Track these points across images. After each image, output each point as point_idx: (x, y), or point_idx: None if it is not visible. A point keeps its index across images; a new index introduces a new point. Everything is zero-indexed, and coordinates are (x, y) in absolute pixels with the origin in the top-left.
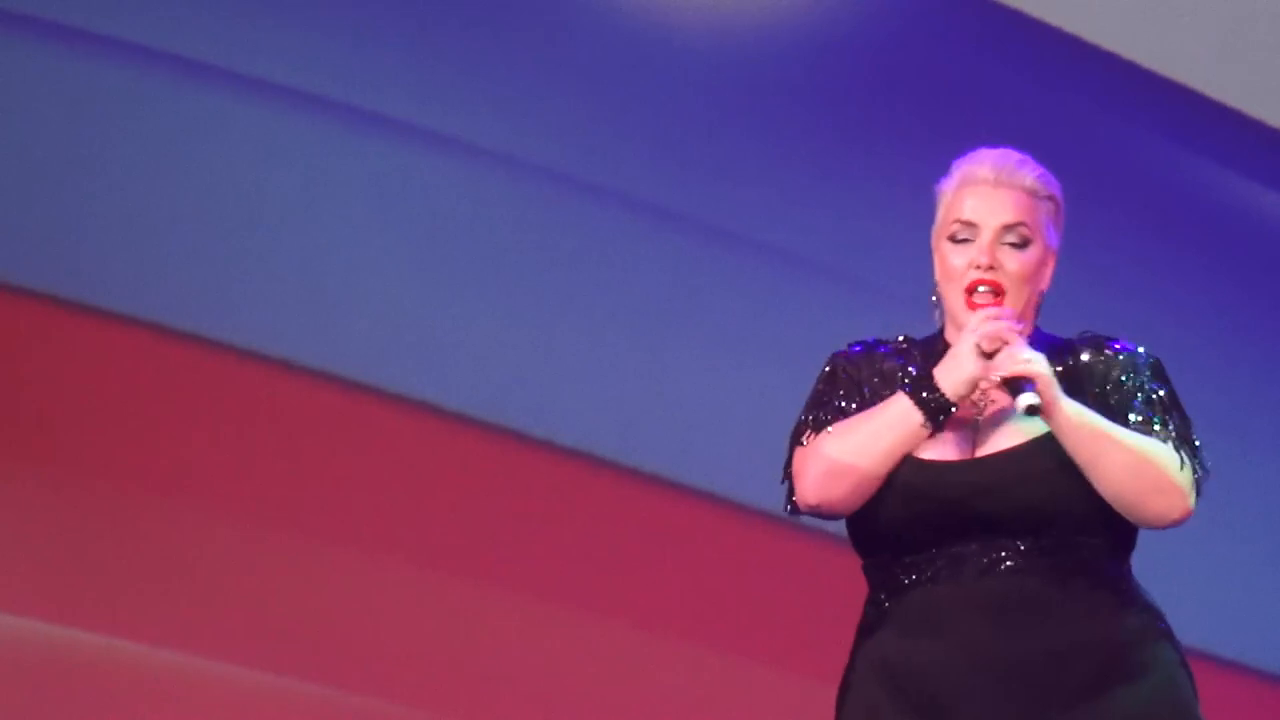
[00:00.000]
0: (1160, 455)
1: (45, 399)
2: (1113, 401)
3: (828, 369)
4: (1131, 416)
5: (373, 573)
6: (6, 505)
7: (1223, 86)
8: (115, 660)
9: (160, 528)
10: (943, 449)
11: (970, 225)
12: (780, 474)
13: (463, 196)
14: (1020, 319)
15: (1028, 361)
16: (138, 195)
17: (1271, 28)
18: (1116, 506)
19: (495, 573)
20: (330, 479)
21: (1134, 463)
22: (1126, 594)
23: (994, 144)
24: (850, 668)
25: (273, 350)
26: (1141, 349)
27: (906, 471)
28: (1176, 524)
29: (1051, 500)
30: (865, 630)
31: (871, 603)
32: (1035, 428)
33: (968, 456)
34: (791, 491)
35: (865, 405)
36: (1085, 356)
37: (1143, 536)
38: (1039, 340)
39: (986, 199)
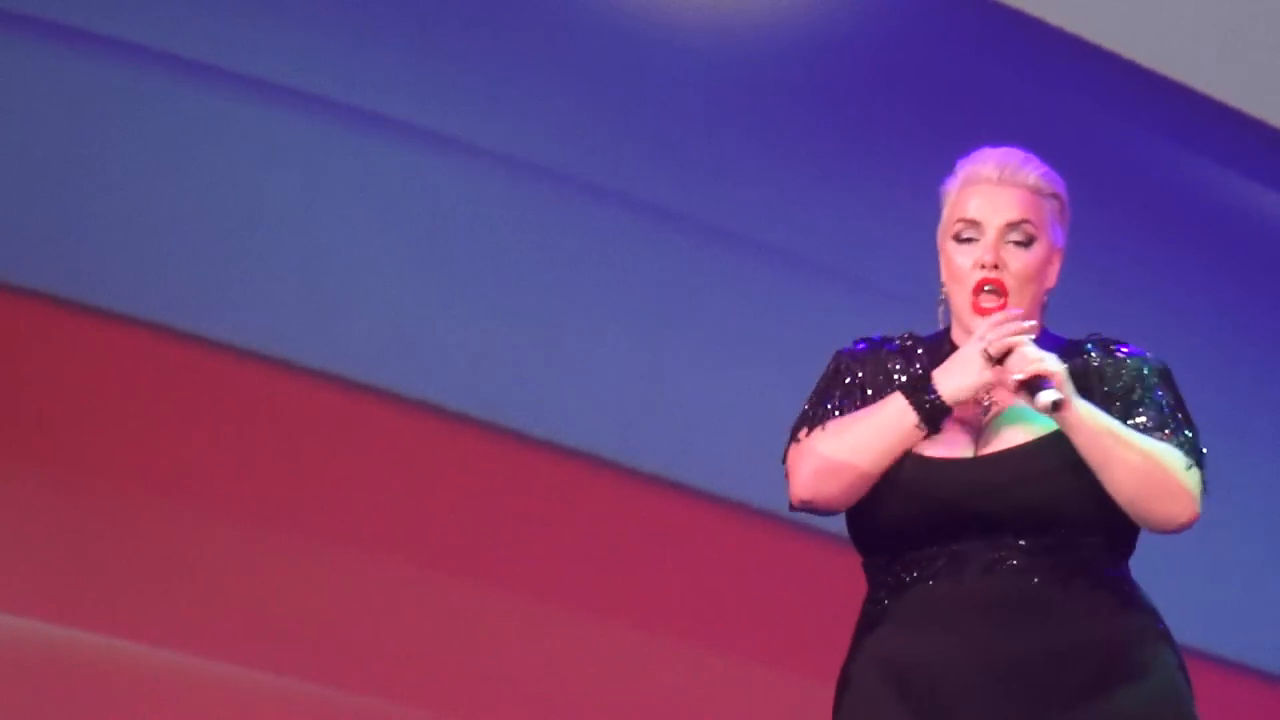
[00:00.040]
0: (1170, 459)
1: (45, 399)
2: (1120, 405)
3: (832, 366)
4: (1140, 421)
5: (373, 573)
6: (6, 505)
7: (1223, 86)
8: (115, 660)
9: (160, 528)
10: (947, 446)
11: (974, 224)
12: (782, 471)
13: (463, 196)
14: (1026, 318)
15: (1040, 360)
16: (138, 195)
17: (1272, 28)
18: (1125, 509)
19: (495, 573)
20: (330, 479)
21: (1145, 465)
22: (1127, 595)
23: (995, 144)
24: (849, 664)
25: (273, 350)
26: (1150, 355)
27: (909, 468)
28: (1182, 529)
29: (1054, 500)
30: (865, 627)
31: (871, 600)
32: (1040, 427)
33: (971, 454)
34: None
35: (867, 404)
36: (1094, 358)
37: (1143, 536)
38: (1045, 341)
39: (990, 197)
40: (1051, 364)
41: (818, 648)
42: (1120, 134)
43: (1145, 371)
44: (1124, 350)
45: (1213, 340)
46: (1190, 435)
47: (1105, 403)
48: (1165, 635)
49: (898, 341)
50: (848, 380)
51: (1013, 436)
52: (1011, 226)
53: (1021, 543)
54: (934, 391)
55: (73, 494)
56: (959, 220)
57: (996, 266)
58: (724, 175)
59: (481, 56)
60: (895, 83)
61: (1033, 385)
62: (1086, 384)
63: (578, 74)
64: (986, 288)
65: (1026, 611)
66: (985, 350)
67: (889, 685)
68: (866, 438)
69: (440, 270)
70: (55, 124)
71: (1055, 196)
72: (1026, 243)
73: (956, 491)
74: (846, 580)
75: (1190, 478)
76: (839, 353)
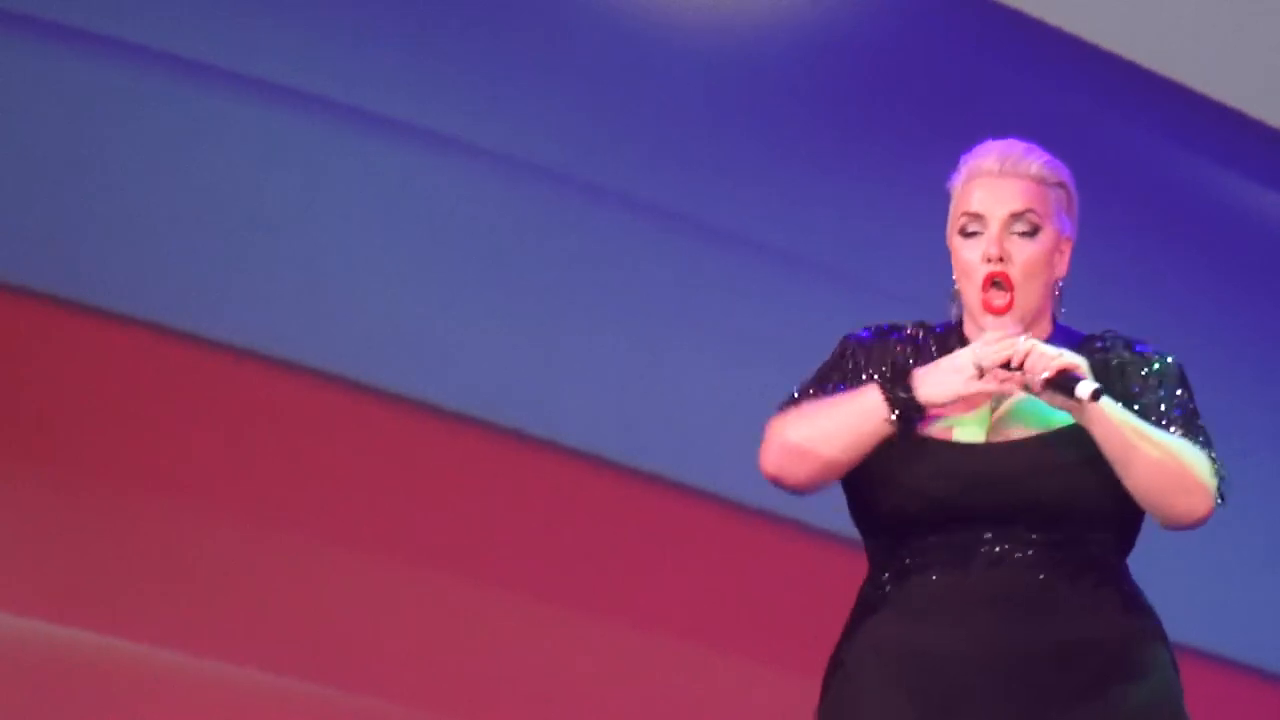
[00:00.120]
0: (1189, 454)
1: (45, 399)
2: (1139, 401)
3: (838, 350)
4: (1158, 417)
5: (373, 573)
6: (6, 505)
7: (1223, 86)
8: (115, 660)
9: (160, 528)
10: (960, 432)
11: (978, 217)
12: None
13: (463, 196)
14: (1038, 313)
15: (1060, 355)
16: (138, 195)
17: (1272, 28)
18: (1143, 503)
19: (495, 573)
20: (330, 479)
21: (1165, 460)
22: (1129, 593)
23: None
24: (845, 646)
25: (273, 350)
26: (1169, 355)
27: (918, 450)
28: (1199, 524)
29: (1067, 493)
30: (864, 610)
31: (871, 583)
32: (1055, 420)
33: (985, 441)
34: None
35: None
36: (1110, 354)
37: (1143, 535)
38: (1059, 335)
39: (992, 189)
40: (1073, 357)
41: (818, 648)
42: (1120, 134)
43: (1163, 369)
44: (1141, 348)
45: (1213, 340)
46: (1206, 434)
47: (1125, 399)
48: (1162, 634)
49: (907, 331)
50: (850, 365)
51: (1026, 427)
52: (1015, 217)
53: (1032, 536)
54: (910, 389)
55: (73, 494)
56: (963, 214)
57: (1002, 259)
58: (724, 175)
59: (481, 56)
60: (895, 83)
61: (1063, 382)
62: (1109, 380)
63: (578, 74)
64: (994, 282)
65: (1033, 607)
66: (978, 364)
67: (888, 675)
68: (836, 424)
69: (440, 270)
70: (55, 124)
71: (1060, 185)
72: (1031, 233)
73: (966, 477)
74: (848, 580)
75: (1207, 472)
76: (846, 337)
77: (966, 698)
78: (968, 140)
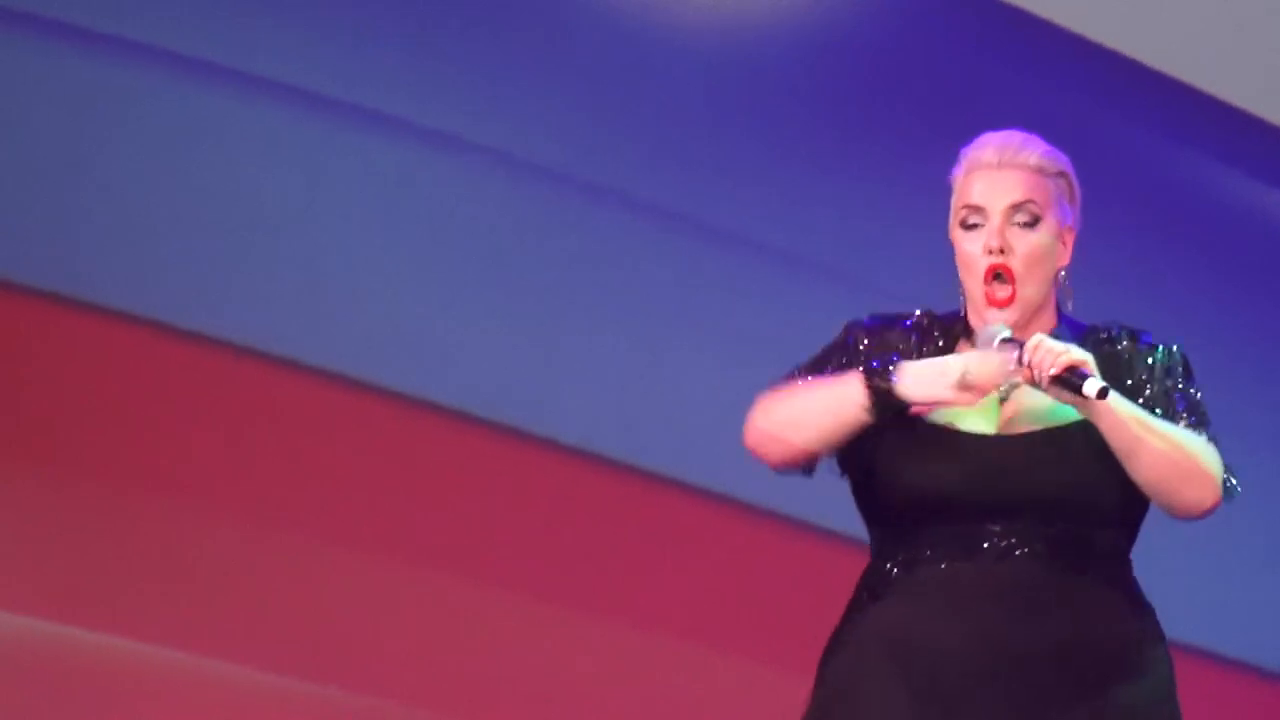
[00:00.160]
0: (1195, 445)
1: (45, 399)
2: (1147, 394)
3: (841, 334)
4: (1164, 409)
5: (373, 573)
6: (6, 505)
7: (1225, 85)
8: (115, 660)
9: (160, 528)
10: (968, 424)
11: (978, 209)
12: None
13: (463, 196)
14: (1042, 304)
15: (1066, 351)
16: (138, 195)
17: (1273, 26)
18: (1151, 495)
19: (495, 573)
20: (330, 479)
21: (1172, 451)
22: (1131, 593)
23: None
24: (846, 627)
25: (273, 349)
26: (1174, 344)
27: (928, 441)
28: (1206, 514)
29: (1075, 487)
30: (866, 596)
31: (874, 570)
32: (1063, 414)
33: (995, 432)
34: None
35: None
36: (1116, 345)
37: (1143, 534)
38: (1064, 325)
39: (992, 181)
40: (1078, 353)
41: (818, 648)
42: (1121, 133)
43: (1168, 359)
44: (1148, 340)
45: (1213, 340)
46: (1212, 426)
47: (1130, 390)
48: (1160, 634)
49: (911, 319)
50: (851, 349)
51: (1035, 420)
52: (1015, 208)
53: (1039, 530)
54: (890, 381)
55: (73, 494)
56: (964, 207)
57: (1003, 251)
58: (724, 175)
59: (481, 56)
60: (895, 83)
61: (1070, 380)
62: (1115, 372)
63: (578, 74)
64: (996, 275)
65: (1037, 604)
66: (964, 375)
67: (886, 659)
68: (815, 407)
69: (440, 270)
70: (55, 124)
71: (1061, 175)
72: (1032, 223)
73: (973, 469)
74: (849, 580)
75: (1215, 462)
76: (849, 323)
77: (967, 698)
78: (968, 140)
